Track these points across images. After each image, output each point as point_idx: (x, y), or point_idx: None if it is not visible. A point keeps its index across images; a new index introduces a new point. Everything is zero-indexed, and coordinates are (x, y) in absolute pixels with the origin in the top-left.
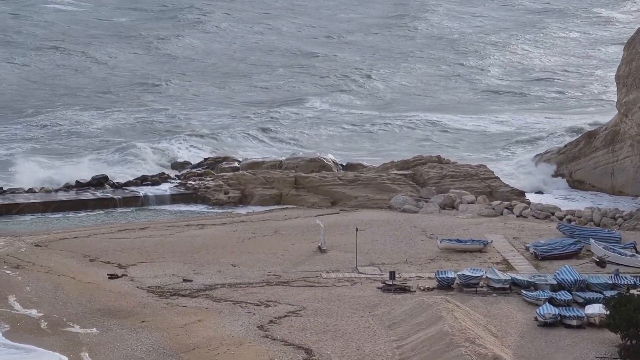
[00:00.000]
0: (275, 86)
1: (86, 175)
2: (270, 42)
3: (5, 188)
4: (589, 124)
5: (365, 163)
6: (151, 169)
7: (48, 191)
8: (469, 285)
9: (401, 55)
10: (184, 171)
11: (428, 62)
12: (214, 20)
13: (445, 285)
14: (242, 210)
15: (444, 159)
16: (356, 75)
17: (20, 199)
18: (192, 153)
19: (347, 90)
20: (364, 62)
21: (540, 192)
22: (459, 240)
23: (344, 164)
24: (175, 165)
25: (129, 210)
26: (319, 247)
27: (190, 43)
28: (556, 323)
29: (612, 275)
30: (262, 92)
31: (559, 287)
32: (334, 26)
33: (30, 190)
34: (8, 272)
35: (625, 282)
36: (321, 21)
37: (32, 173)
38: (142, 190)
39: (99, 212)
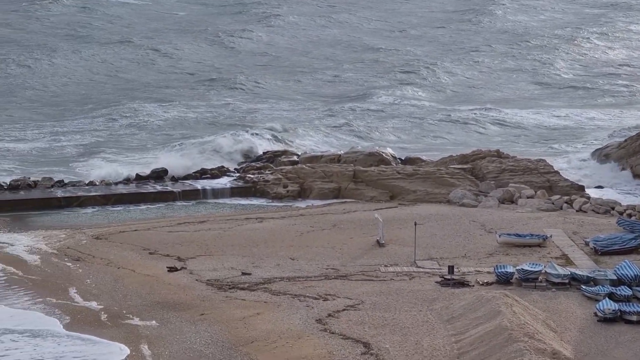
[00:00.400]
0: (340, 80)
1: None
2: (335, 35)
3: (66, 181)
4: None
5: (424, 157)
6: (218, 162)
7: (108, 184)
8: (528, 280)
9: (465, 49)
10: (243, 164)
11: (492, 56)
12: (278, 14)
13: (504, 280)
14: (300, 204)
15: (503, 153)
16: (420, 69)
17: (81, 191)
18: (260, 145)
19: (411, 83)
20: (427, 55)
21: (600, 187)
22: (518, 235)
23: (403, 158)
24: (247, 153)
25: (188, 203)
26: (378, 241)
27: (256, 36)
28: (616, 318)
29: None
30: (327, 86)
31: (619, 282)
32: (398, 20)
33: (91, 183)
34: (69, 264)
35: None
36: (385, 14)
37: (101, 167)
38: (201, 184)
39: (159, 205)
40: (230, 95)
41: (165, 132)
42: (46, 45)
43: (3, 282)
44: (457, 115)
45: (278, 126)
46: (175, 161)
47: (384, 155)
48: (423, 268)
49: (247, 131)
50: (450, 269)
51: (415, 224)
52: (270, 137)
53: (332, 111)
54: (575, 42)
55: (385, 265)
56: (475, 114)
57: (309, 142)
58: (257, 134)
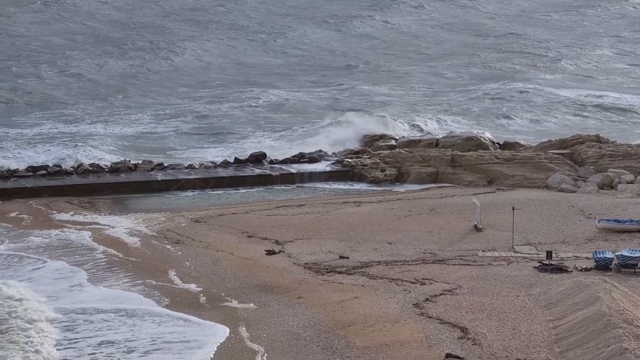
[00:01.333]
0: (478, 64)
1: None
2: (469, 20)
3: (166, 164)
4: None
5: (522, 142)
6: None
7: (207, 167)
8: (628, 266)
9: (591, 35)
10: (341, 149)
11: (612, 43)
12: (409, 1)
13: (602, 266)
14: (398, 188)
15: (603, 138)
16: (548, 54)
17: (181, 174)
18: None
19: (541, 68)
20: (555, 40)
21: None
22: (617, 221)
23: (501, 143)
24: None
25: (287, 187)
26: (475, 226)
27: (387, 23)
28: None
29: None
30: (462, 72)
31: None
32: (527, 5)
33: (190, 167)
34: (168, 247)
35: None
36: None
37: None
38: (300, 168)
39: (257, 188)
40: (364, 80)
41: (277, 116)
42: (167, 31)
43: (104, 263)
44: (581, 100)
45: (394, 111)
46: (282, 145)
47: (482, 139)
48: (521, 253)
49: (370, 114)
50: (549, 255)
51: (513, 209)
52: (390, 121)
53: (463, 97)
54: None
55: (483, 250)
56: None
57: (431, 126)
58: (380, 116)
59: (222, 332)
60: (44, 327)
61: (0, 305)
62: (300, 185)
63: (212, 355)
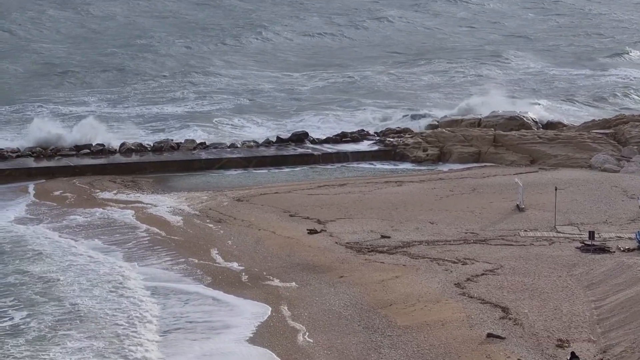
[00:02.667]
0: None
1: None
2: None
3: (208, 143)
4: None
5: (565, 121)
6: None
7: (250, 146)
8: None
9: None
10: (383, 128)
11: None
12: None
13: None
14: (440, 168)
15: None
16: None
17: (223, 154)
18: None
19: None
20: None
21: None
22: None
23: (544, 122)
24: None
25: (328, 166)
26: (517, 206)
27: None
28: None
29: None
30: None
31: None
32: None
33: (233, 146)
34: (211, 225)
35: None
36: None
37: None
38: (342, 147)
39: (299, 167)
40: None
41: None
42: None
43: (147, 242)
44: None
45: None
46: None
47: (524, 119)
48: (563, 233)
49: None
50: (591, 235)
51: (556, 189)
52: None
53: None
54: None
55: (525, 230)
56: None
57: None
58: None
59: (263, 311)
60: None
61: None
62: (342, 164)
63: (253, 334)
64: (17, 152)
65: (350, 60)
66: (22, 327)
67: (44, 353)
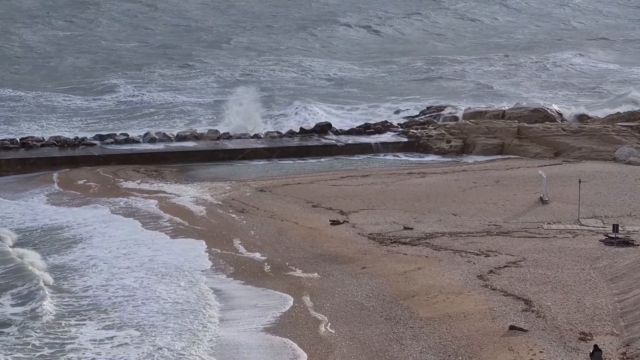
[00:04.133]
0: None
1: None
2: None
3: (231, 133)
4: None
5: (589, 114)
6: None
7: (273, 137)
8: None
9: None
10: (407, 120)
11: None
12: None
13: None
14: (464, 160)
15: None
16: None
17: (246, 144)
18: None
19: None
20: None
21: None
22: None
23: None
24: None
25: (351, 157)
26: (541, 198)
27: None
28: None
29: None
30: None
31: None
32: None
33: (256, 136)
34: (233, 215)
35: None
36: None
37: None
38: (365, 138)
39: (322, 158)
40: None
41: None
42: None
43: (170, 232)
44: None
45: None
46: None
47: (549, 111)
48: (587, 226)
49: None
50: (615, 228)
51: (580, 182)
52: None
53: None
54: None
55: (548, 223)
56: None
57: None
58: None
59: (285, 301)
60: None
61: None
62: (365, 155)
63: (276, 324)
64: (41, 141)
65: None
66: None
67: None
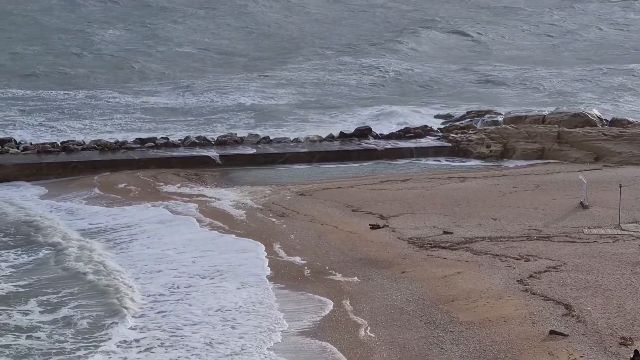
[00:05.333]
0: None
1: None
2: None
3: (271, 137)
4: None
5: (630, 119)
6: None
7: (313, 141)
8: None
9: None
10: (447, 124)
11: None
12: None
13: None
14: (504, 164)
15: None
16: None
17: (287, 148)
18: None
19: None
20: None
21: None
22: None
23: (609, 120)
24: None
25: (391, 162)
26: (581, 203)
27: None
28: None
29: None
30: None
31: None
32: None
33: (296, 140)
34: (273, 219)
35: None
36: None
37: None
38: (405, 143)
39: (362, 163)
40: None
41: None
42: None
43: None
44: None
45: None
46: None
47: (589, 116)
48: (627, 231)
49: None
50: None
51: (620, 186)
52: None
53: None
54: None
55: (589, 227)
56: None
57: None
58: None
59: (325, 305)
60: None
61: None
62: (405, 160)
63: (316, 328)
64: (82, 144)
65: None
66: None
67: None
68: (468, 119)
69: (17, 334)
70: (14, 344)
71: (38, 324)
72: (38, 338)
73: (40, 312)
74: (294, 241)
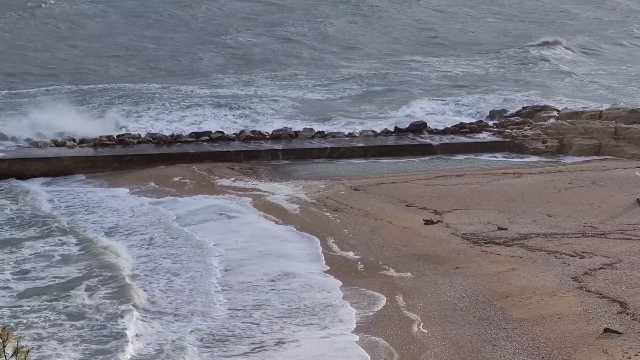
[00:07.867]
0: None
1: None
2: None
3: (326, 132)
4: None
5: None
6: None
7: (368, 136)
8: None
9: None
10: (502, 119)
11: None
12: None
13: None
14: (560, 160)
15: None
16: None
17: (341, 143)
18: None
19: None
20: None
21: None
22: None
23: None
24: (494, 114)
25: (446, 157)
26: (638, 200)
27: None
28: None
29: None
30: None
31: None
32: None
33: (351, 135)
34: (327, 214)
35: None
36: None
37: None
38: (460, 138)
39: (417, 158)
40: None
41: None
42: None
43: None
44: None
45: None
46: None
47: None
48: None
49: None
50: None
51: None
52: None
53: None
54: None
55: None
56: None
57: None
58: None
59: (379, 300)
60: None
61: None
62: (460, 155)
63: (369, 323)
64: (137, 138)
65: None
66: None
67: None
68: (523, 114)
69: None
70: None
71: None
72: None
73: None
74: (348, 236)
